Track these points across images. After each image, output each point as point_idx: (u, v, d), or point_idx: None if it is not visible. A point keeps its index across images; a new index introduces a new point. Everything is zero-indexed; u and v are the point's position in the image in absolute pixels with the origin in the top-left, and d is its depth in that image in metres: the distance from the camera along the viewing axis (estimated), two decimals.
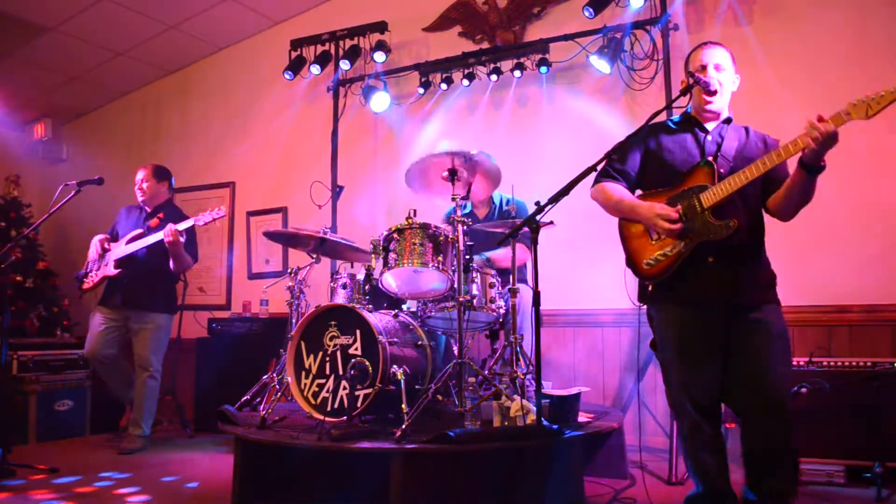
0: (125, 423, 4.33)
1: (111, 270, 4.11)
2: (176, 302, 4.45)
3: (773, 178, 2.16)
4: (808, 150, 1.94)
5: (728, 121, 2.33)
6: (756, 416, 2.16)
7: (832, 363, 3.09)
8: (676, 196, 2.23)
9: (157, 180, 4.33)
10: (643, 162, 2.40)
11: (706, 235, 2.14)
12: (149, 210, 4.30)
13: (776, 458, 2.13)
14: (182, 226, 3.95)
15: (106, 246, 4.21)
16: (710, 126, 2.33)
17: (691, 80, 2.26)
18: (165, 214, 4.24)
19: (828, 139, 1.90)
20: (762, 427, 2.14)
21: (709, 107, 2.29)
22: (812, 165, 1.98)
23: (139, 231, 4.14)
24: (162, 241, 3.93)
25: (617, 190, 2.37)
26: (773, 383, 2.11)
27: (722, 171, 2.17)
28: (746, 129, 2.33)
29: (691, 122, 2.36)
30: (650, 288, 2.33)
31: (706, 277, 2.17)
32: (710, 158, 2.22)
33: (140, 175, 4.33)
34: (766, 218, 2.29)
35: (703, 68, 2.30)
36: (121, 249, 4.13)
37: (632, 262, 2.35)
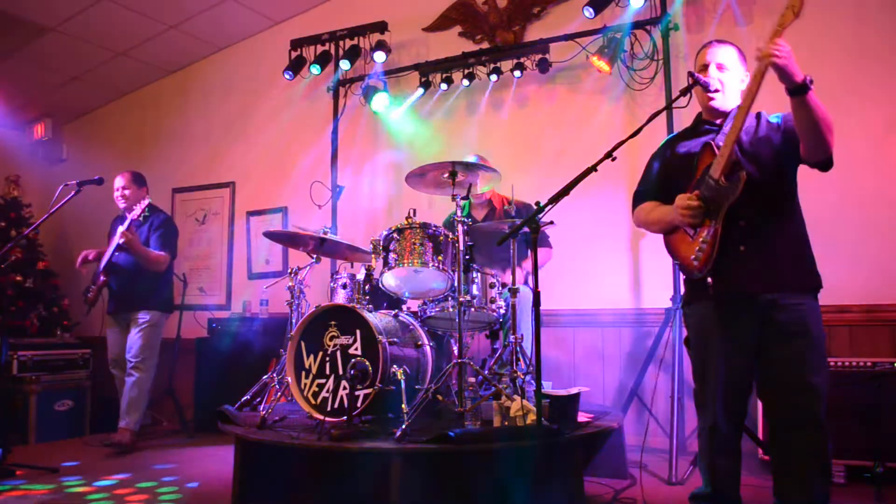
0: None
1: (100, 279, 4.26)
2: (168, 299, 4.44)
3: (791, 138, 2.12)
4: (774, 70, 1.93)
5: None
6: (788, 430, 2.12)
7: (832, 363, 3.09)
8: (695, 187, 2.22)
9: (137, 186, 4.35)
10: (664, 174, 2.40)
11: (725, 200, 2.09)
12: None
13: (805, 472, 2.07)
14: (125, 224, 4.04)
15: (90, 258, 4.32)
16: (720, 122, 2.32)
17: (690, 80, 2.26)
18: (148, 215, 4.27)
19: (772, 51, 1.89)
20: (793, 441, 2.10)
21: (712, 104, 2.28)
22: (793, 87, 1.95)
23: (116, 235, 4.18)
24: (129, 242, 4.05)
25: (648, 206, 2.41)
26: (809, 396, 2.07)
27: (719, 143, 2.14)
28: (759, 114, 2.30)
29: (701, 124, 2.37)
30: (709, 280, 2.29)
31: (738, 269, 2.13)
32: (709, 140, 2.21)
33: (119, 182, 4.34)
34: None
35: (705, 67, 2.29)
36: (103, 258, 4.25)
37: (684, 267, 2.32)
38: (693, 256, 2.24)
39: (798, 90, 1.94)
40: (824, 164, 2.12)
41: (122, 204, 4.33)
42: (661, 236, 2.39)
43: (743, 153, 2.17)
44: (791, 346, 2.10)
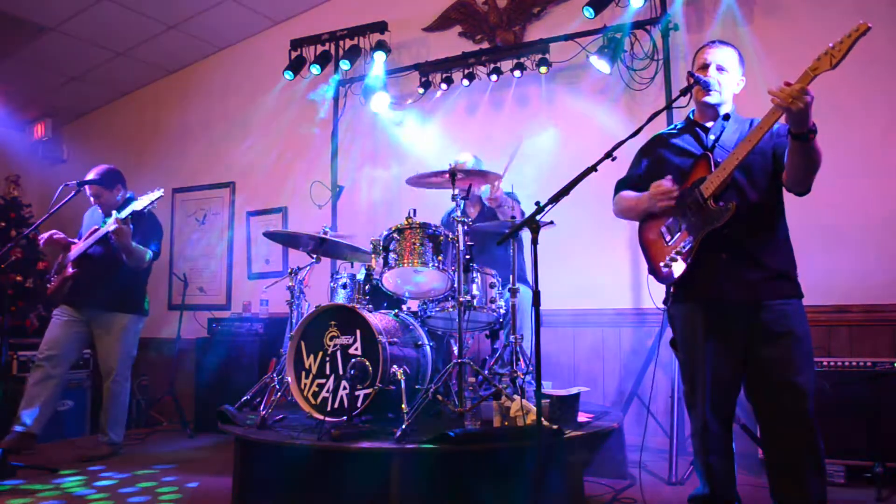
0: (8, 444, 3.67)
1: (68, 271, 3.88)
2: (145, 302, 4.14)
3: (781, 156, 2.14)
4: (786, 116, 1.91)
5: (727, 116, 2.32)
6: (778, 429, 2.13)
7: (832, 363, 3.09)
8: (683, 194, 2.23)
9: (109, 189, 4.01)
10: (650, 168, 2.42)
11: (709, 223, 2.13)
12: (106, 210, 3.97)
13: (800, 471, 2.07)
14: (123, 213, 3.65)
15: (56, 237, 3.93)
16: (711, 124, 2.33)
17: (690, 80, 2.26)
18: (124, 209, 3.80)
19: (794, 100, 1.86)
20: (785, 440, 2.11)
21: (706, 99, 2.29)
22: (798, 133, 1.93)
23: (95, 227, 3.88)
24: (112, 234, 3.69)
25: (630, 194, 2.43)
26: (796, 395, 2.07)
27: (719, 160, 2.17)
28: (751, 121, 2.31)
29: (693, 124, 2.37)
30: (671, 289, 2.33)
31: (722, 275, 2.15)
32: (707, 151, 2.23)
33: (88, 190, 3.97)
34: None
35: (705, 67, 2.30)
36: (77, 248, 3.90)
37: (652, 269, 2.36)
38: (663, 263, 2.26)
39: (804, 136, 1.94)
40: (800, 193, 2.15)
41: (99, 208, 4.03)
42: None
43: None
44: (776, 346, 2.11)
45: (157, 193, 3.71)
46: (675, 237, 2.25)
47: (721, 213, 2.10)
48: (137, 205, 3.70)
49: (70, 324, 3.92)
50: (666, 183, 2.24)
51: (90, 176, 3.99)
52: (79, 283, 3.90)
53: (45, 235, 3.93)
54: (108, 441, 3.90)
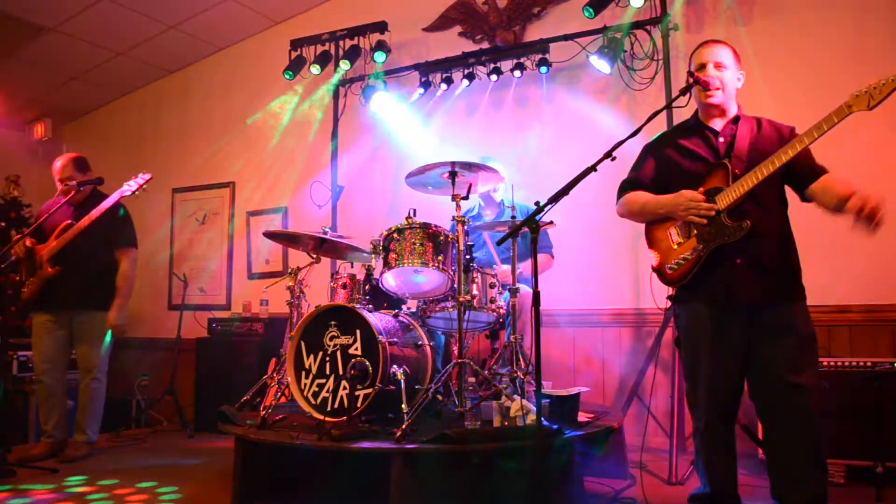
0: (39, 451, 3.79)
1: (47, 271, 3.72)
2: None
3: (795, 168, 2.16)
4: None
5: (737, 119, 2.31)
6: (781, 428, 2.13)
7: (832, 363, 3.09)
8: None
9: (83, 173, 3.90)
10: (658, 169, 2.40)
11: (722, 238, 2.14)
12: (74, 203, 3.88)
13: (801, 471, 2.08)
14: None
15: (29, 245, 3.81)
16: (718, 124, 2.32)
17: (690, 80, 2.27)
18: (93, 203, 3.82)
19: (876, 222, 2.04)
20: (787, 440, 2.11)
21: (710, 100, 2.28)
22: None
23: (67, 222, 3.77)
24: (95, 231, 3.71)
25: (640, 195, 2.40)
26: (799, 394, 2.07)
27: (736, 171, 2.17)
28: (759, 121, 2.31)
29: (701, 125, 2.36)
30: (675, 290, 2.33)
31: (734, 278, 2.15)
32: (724, 160, 2.22)
33: (60, 171, 3.86)
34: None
35: (703, 67, 2.30)
36: (52, 245, 3.73)
37: (657, 268, 2.36)
38: (669, 266, 2.27)
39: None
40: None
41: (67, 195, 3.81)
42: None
43: (745, 162, 2.19)
44: (779, 345, 2.12)
45: (145, 176, 3.86)
46: (684, 242, 2.25)
47: (736, 231, 2.12)
48: (126, 191, 3.78)
49: (53, 331, 3.85)
50: (701, 198, 2.20)
51: (60, 163, 3.90)
52: (53, 286, 3.77)
53: (28, 243, 3.83)
54: (86, 440, 3.87)
